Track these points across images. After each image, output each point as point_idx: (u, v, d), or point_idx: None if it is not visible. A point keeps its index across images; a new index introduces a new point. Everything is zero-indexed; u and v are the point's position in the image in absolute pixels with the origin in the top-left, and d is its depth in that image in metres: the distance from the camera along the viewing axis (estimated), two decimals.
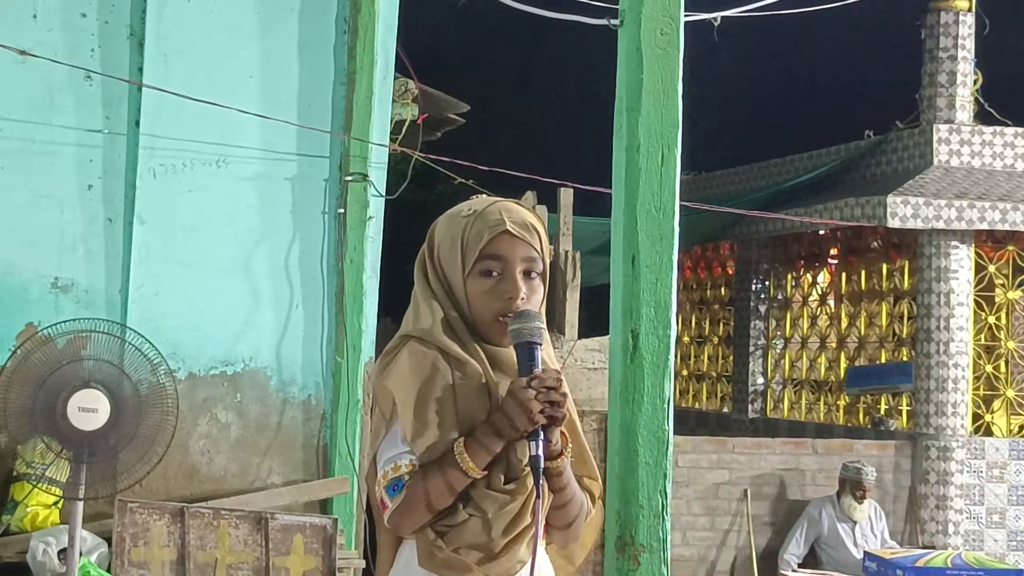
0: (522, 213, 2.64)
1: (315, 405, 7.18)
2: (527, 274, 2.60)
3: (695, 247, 13.38)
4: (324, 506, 7.12)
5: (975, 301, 10.20)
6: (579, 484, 2.67)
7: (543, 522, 2.55)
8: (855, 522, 9.29)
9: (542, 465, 2.48)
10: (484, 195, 2.77)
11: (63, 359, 5.52)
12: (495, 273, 2.58)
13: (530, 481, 2.51)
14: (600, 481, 2.74)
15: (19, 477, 6.53)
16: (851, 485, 9.24)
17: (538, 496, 2.47)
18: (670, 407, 3.58)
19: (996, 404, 10.38)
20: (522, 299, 2.58)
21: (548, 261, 2.67)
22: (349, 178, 7.13)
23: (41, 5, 6.82)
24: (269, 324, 7.13)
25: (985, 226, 10.00)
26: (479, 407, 2.53)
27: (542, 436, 2.48)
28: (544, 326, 2.58)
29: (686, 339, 14.01)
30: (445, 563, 2.50)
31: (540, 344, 2.55)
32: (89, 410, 5.43)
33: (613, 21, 3.78)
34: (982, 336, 10.34)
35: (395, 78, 7.54)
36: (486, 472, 2.51)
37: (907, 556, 8.67)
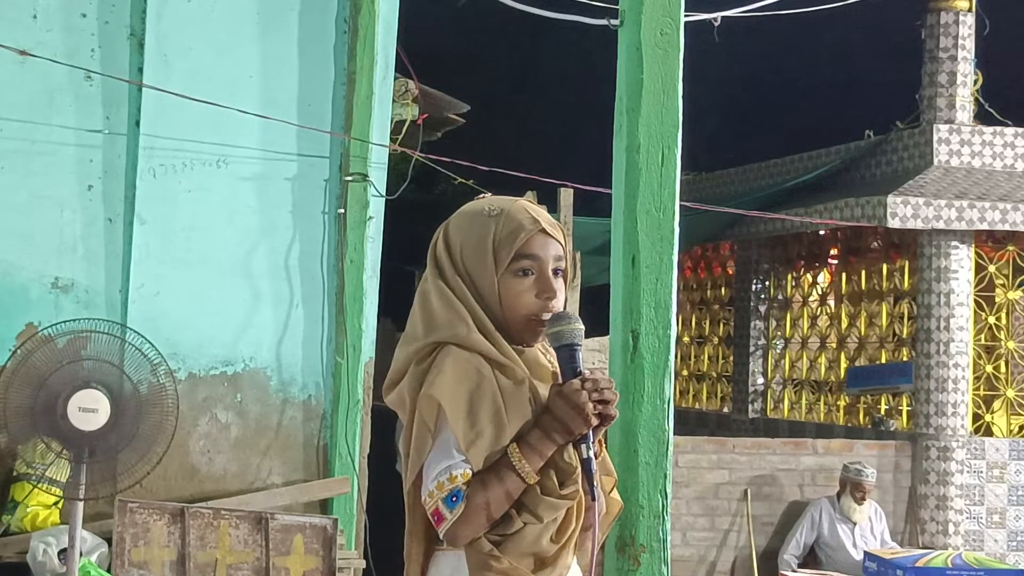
0: (546, 213, 2.63)
1: (315, 405, 7.18)
2: (555, 273, 2.58)
3: (695, 247, 13.38)
4: (324, 506, 7.12)
5: (975, 301, 10.19)
6: None
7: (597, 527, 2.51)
8: (855, 523, 9.28)
9: (595, 468, 2.46)
10: (489, 194, 2.75)
11: (63, 359, 5.52)
12: (530, 273, 2.55)
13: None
14: (615, 476, 2.72)
15: (19, 477, 6.53)
16: (851, 486, 9.23)
17: (594, 499, 2.45)
18: (670, 407, 3.58)
19: (996, 404, 10.38)
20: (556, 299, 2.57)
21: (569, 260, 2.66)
22: (349, 178, 7.13)
23: (41, 5, 6.82)
24: (269, 324, 7.13)
25: (985, 226, 10.00)
26: (526, 411, 2.49)
27: (591, 439, 2.46)
28: (583, 327, 2.55)
29: (686, 339, 14.00)
30: (502, 573, 2.44)
31: (580, 346, 2.52)
32: (89, 410, 5.43)
33: (613, 21, 3.78)
34: (982, 336, 10.33)
35: (395, 78, 7.54)
36: (539, 477, 2.46)
37: (907, 556, 8.67)
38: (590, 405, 2.43)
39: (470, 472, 2.43)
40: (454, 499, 2.41)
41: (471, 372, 2.46)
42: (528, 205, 2.61)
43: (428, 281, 2.59)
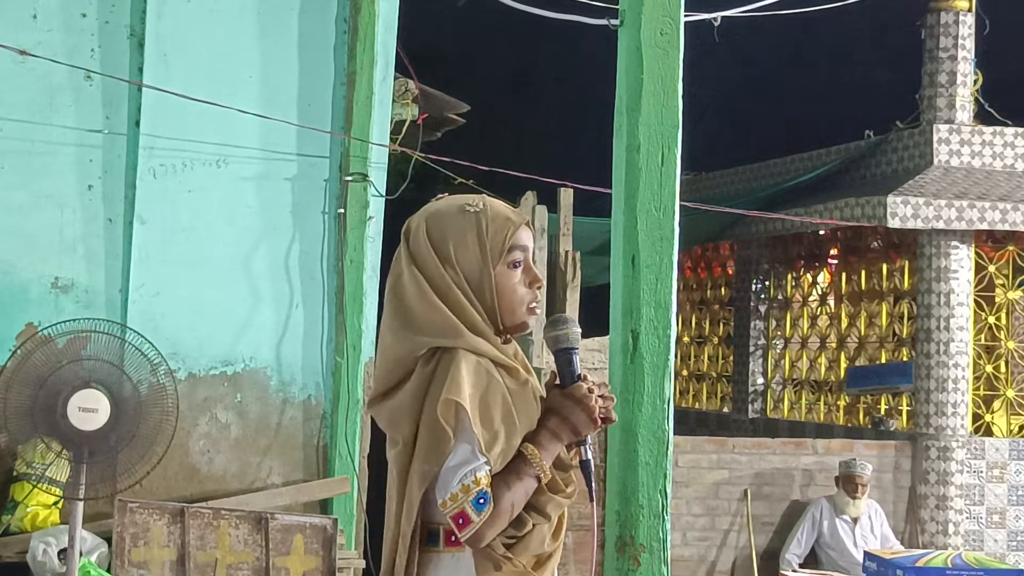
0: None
1: (315, 405, 7.18)
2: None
3: (695, 247, 13.37)
4: (324, 506, 7.12)
5: (975, 301, 10.19)
6: None
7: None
8: (855, 522, 9.29)
9: (592, 469, 2.52)
10: (446, 194, 2.73)
11: (63, 359, 5.52)
12: (519, 264, 2.59)
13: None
14: None
15: (19, 477, 6.53)
16: (844, 480, 9.27)
17: (592, 499, 2.51)
18: (670, 407, 3.58)
19: (996, 404, 10.38)
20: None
21: None
22: (349, 178, 7.13)
23: (41, 5, 6.82)
24: (269, 324, 7.13)
25: (985, 226, 10.00)
26: (532, 411, 2.53)
27: (588, 440, 2.53)
28: (580, 331, 2.61)
29: (686, 339, 14.00)
30: (513, 574, 2.47)
31: (578, 349, 2.58)
32: (89, 410, 5.43)
33: (613, 21, 3.78)
34: (982, 336, 10.33)
35: (395, 78, 7.54)
36: (550, 476, 2.51)
37: (907, 556, 8.66)
38: (598, 408, 2.49)
39: (491, 473, 2.45)
40: (482, 501, 2.42)
41: (481, 374, 2.49)
42: (498, 200, 2.66)
43: (405, 279, 2.56)
